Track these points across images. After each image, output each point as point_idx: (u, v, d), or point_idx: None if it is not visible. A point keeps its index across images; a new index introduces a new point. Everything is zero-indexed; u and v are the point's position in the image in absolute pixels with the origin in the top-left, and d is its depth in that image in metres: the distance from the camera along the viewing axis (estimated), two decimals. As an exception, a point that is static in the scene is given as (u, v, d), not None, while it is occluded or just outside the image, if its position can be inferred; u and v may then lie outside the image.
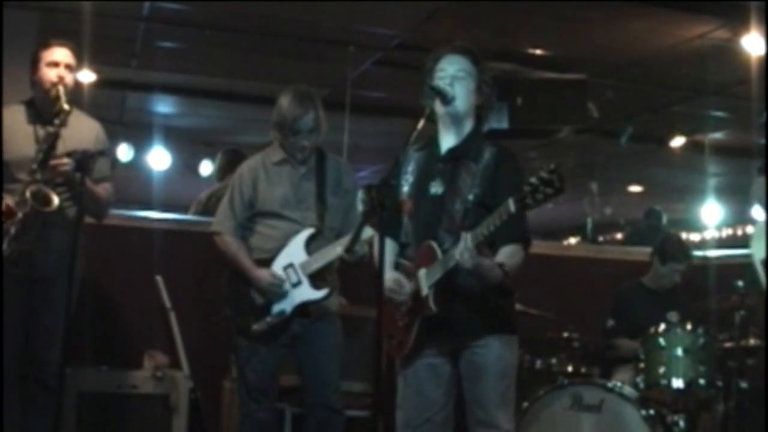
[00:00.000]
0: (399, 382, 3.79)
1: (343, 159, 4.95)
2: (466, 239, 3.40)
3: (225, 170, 6.52)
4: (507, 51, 8.06)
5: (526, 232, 3.66)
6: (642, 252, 6.11)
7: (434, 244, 3.58)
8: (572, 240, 14.71)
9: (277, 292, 4.41)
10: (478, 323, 3.63)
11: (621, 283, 6.01)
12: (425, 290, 3.58)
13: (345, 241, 4.29)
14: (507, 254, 3.58)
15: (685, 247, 6.03)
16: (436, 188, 3.69)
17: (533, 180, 3.21)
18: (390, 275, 3.66)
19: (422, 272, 3.60)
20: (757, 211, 5.30)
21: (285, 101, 4.46)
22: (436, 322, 3.59)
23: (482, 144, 3.70)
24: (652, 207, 10.30)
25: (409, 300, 3.65)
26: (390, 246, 3.70)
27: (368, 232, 3.59)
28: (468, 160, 3.65)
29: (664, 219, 9.89)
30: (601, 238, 13.84)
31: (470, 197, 3.59)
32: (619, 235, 14.25)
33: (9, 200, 4.23)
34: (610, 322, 5.80)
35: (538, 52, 8.33)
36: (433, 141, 3.80)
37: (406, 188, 3.77)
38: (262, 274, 4.43)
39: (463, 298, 3.58)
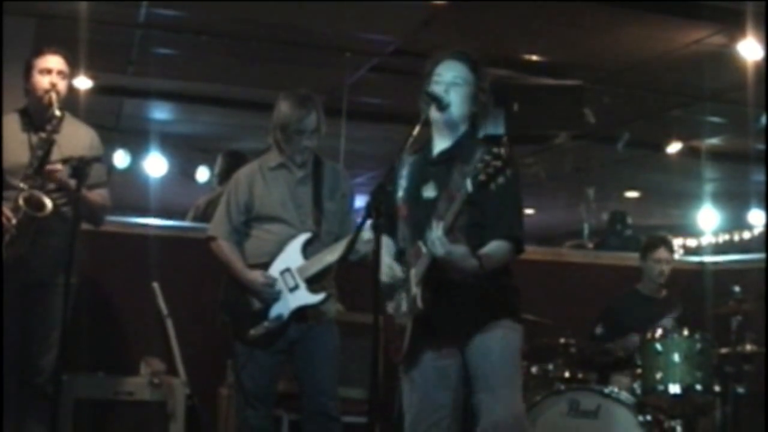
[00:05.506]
0: (404, 386, 3.77)
1: (339, 165, 4.95)
2: (437, 227, 3.41)
3: (225, 173, 6.29)
4: (503, 57, 8.05)
5: (515, 230, 3.63)
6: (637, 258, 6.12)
7: (421, 243, 3.57)
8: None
9: (270, 292, 4.40)
10: (475, 316, 3.61)
11: (617, 288, 6.01)
12: (413, 289, 3.58)
13: (341, 245, 4.32)
14: (490, 248, 3.56)
15: (662, 237, 6.03)
16: (428, 192, 3.68)
17: (485, 156, 3.28)
18: (387, 260, 3.65)
19: (412, 272, 3.61)
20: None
21: (286, 104, 4.46)
22: (430, 321, 3.58)
23: (474, 146, 3.69)
24: (616, 210, 10.31)
25: (404, 301, 3.64)
26: (388, 244, 3.71)
27: (366, 234, 3.58)
28: (459, 162, 3.65)
29: (629, 219, 9.91)
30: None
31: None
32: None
33: (4, 207, 4.23)
34: (599, 329, 5.80)
35: (535, 58, 8.33)
36: (426, 145, 3.80)
37: (400, 193, 3.77)
38: (254, 275, 4.42)
39: (455, 294, 3.56)
